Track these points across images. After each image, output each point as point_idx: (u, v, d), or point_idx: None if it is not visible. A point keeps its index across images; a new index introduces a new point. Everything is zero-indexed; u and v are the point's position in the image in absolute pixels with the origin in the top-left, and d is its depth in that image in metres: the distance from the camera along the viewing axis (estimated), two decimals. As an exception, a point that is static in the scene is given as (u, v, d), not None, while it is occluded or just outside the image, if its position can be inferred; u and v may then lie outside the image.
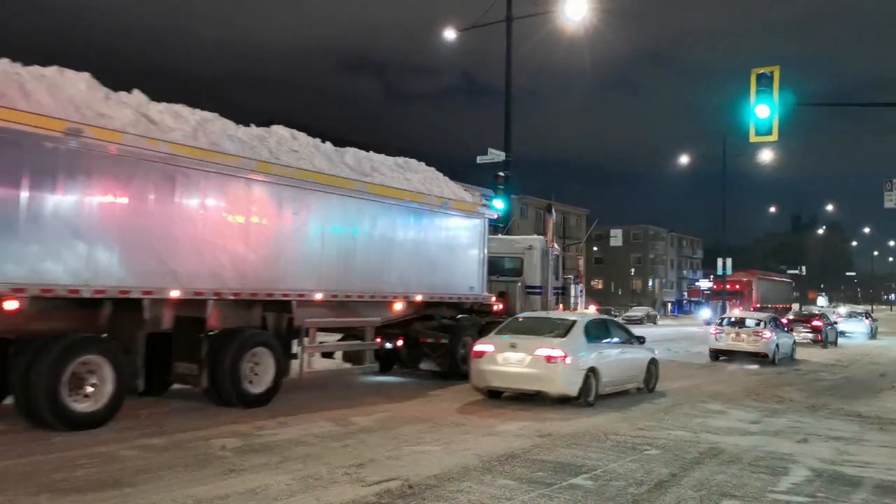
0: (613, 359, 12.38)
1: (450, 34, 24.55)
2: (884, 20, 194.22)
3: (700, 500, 6.40)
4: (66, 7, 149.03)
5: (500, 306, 15.93)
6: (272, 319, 11.32)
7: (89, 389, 8.74)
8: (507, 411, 10.78)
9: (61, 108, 8.60)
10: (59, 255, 8.42)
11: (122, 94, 9.85)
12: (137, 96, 9.99)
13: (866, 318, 40.07)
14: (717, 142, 43.49)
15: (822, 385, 16.17)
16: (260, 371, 10.68)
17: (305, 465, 7.16)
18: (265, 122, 11.84)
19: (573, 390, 11.18)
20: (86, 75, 9.44)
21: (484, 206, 15.92)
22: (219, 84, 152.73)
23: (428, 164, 14.79)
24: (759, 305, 50.63)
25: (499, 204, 23.91)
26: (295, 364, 11.58)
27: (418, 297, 13.60)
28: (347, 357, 13.29)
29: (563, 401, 11.17)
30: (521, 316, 13.93)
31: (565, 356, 11.07)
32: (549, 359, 11.05)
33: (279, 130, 12.12)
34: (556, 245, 17.75)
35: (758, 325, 21.42)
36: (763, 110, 15.05)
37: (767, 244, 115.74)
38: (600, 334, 12.43)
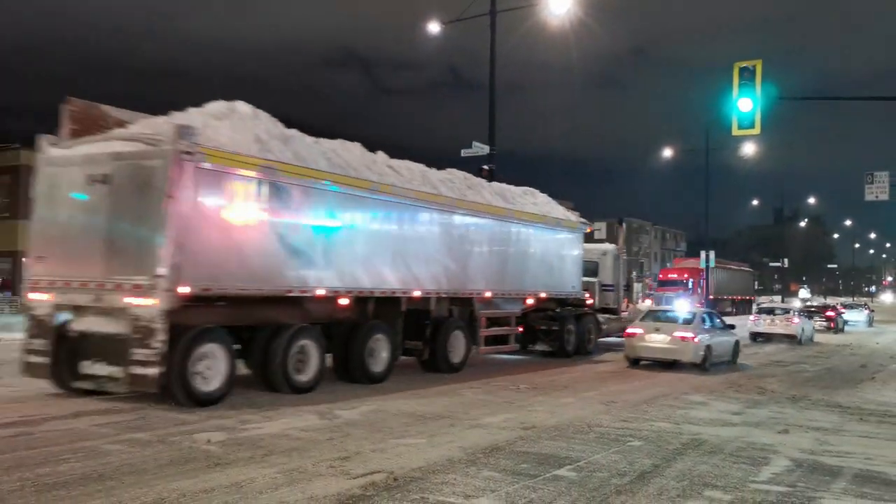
0: (717, 340, 17.29)
1: (433, 28, 24.50)
2: (866, 17, 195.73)
3: (682, 490, 6.47)
4: (53, 4, 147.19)
5: (591, 301, 20.27)
6: (459, 311, 15.39)
7: (383, 355, 13.07)
8: (504, 402, 10.82)
9: (355, 170, 12.65)
10: (362, 271, 12.57)
11: (379, 153, 13.93)
12: (383, 156, 13.96)
13: (866, 308, 46.26)
14: (701, 136, 43.72)
15: (804, 376, 16.34)
16: (458, 347, 14.92)
17: (290, 458, 7.17)
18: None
19: (698, 359, 16.27)
20: (358, 145, 13.42)
21: (582, 223, 19.86)
22: (204, 80, 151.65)
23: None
24: (713, 297, 44.81)
25: (483, 197, 23.90)
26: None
27: (542, 294, 17.77)
28: (497, 340, 16.54)
29: (690, 367, 16.08)
30: (652, 309, 20.74)
31: (694, 336, 16.35)
32: (682, 338, 16.36)
33: (456, 173, 16.03)
34: (624, 251, 22.37)
35: (787, 313, 27.80)
36: (745, 104, 15.18)
37: (750, 237, 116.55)
38: (709, 323, 17.58)
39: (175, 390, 9.71)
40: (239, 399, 10.36)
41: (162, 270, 9.42)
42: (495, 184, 17.79)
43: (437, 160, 15.70)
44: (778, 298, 70.81)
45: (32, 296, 10.76)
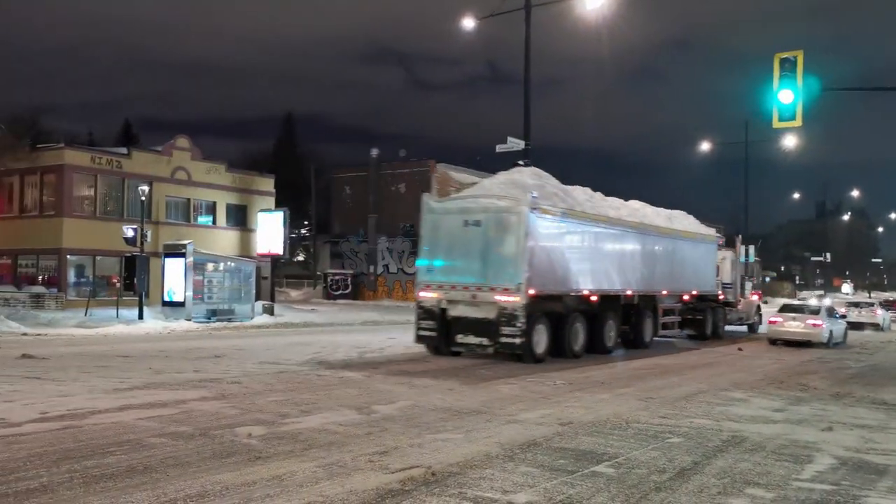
0: (835, 326, 23.29)
1: (469, 23, 24.48)
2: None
3: (723, 487, 6.41)
4: (95, 4, 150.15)
5: (723, 296, 25.61)
6: (649, 304, 20.54)
7: (611, 334, 18.42)
8: (533, 400, 10.81)
9: (592, 209, 18.74)
10: (602, 278, 18.04)
11: (597, 194, 20.28)
12: (599, 195, 20.21)
13: None
14: (741, 128, 43.12)
15: (847, 373, 16.05)
16: (648, 330, 20.50)
17: (329, 452, 7.25)
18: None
19: (824, 340, 22.27)
20: (586, 189, 19.94)
21: (717, 237, 25.67)
22: (241, 76, 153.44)
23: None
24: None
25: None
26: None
27: (694, 292, 23.18)
28: (665, 326, 21.79)
29: (819, 345, 22.05)
30: (785, 303, 27.16)
31: (822, 324, 22.34)
32: (814, 325, 22.38)
33: (633, 204, 21.96)
34: (739, 256, 27.60)
35: (871, 306, 35.18)
36: (787, 95, 14.91)
37: (791, 231, 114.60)
38: (829, 313, 23.54)
39: (525, 353, 15.51)
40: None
41: (521, 280, 15.29)
42: (661, 209, 23.16)
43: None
44: (820, 294, 69.48)
45: (423, 294, 16.77)
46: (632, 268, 19.48)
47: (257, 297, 33.28)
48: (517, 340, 15.34)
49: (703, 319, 24.08)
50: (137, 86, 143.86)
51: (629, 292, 19.21)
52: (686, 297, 22.84)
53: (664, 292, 21.15)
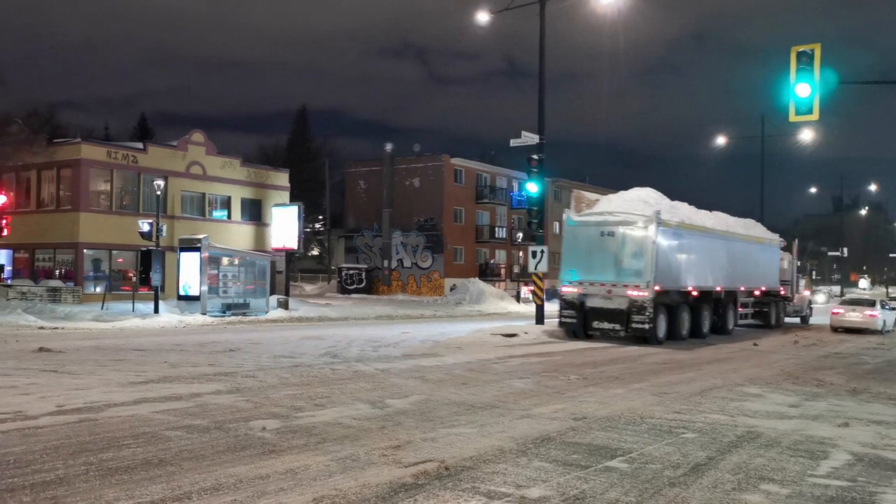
0: (888, 316, 27.77)
1: (483, 17, 24.40)
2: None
3: (738, 483, 6.37)
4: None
5: (783, 292, 29.57)
6: (731, 298, 24.38)
7: (706, 323, 22.55)
8: (555, 394, 10.80)
9: (689, 219, 22.51)
10: (708, 275, 22.48)
11: (684, 204, 23.64)
12: (720, 214, 25.32)
13: None
14: (757, 122, 42.76)
15: (864, 369, 15.92)
16: (730, 320, 24.34)
17: (343, 446, 7.27)
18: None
19: (880, 328, 26.60)
20: (684, 204, 23.57)
21: (780, 241, 30.00)
22: (258, 72, 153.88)
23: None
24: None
25: (532, 187, 23.83)
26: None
27: (763, 288, 27.11)
28: (741, 317, 25.78)
29: (874, 333, 26.32)
30: (846, 298, 33.65)
31: (877, 315, 26.71)
32: (870, 316, 26.69)
33: (718, 214, 25.84)
34: (795, 257, 31.71)
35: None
36: (803, 89, 14.78)
37: (807, 225, 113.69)
38: (882, 305, 28.11)
39: (651, 336, 19.61)
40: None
41: (650, 279, 19.38)
42: (739, 218, 27.42)
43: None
44: (837, 289, 68.89)
45: (565, 289, 20.87)
46: (720, 268, 23.49)
47: (272, 292, 33.41)
48: (646, 326, 19.59)
49: (769, 311, 28.31)
50: (154, 81, 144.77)
51: (718, 288, 23.28)
52: (756, 293, 26.90)
53: (742, 288, 25.20)
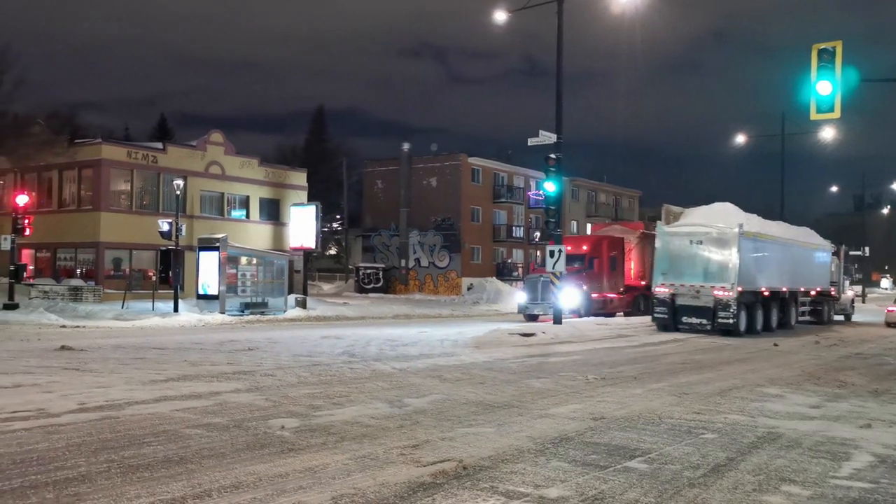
0: None
1: (500, 16, 24.36)
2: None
3: (758, 484, 6.33)
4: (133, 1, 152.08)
5: (833, 292, 32.05)
6: (793, 298, 27.55)
7: (774, 319, 26.08)
8: (577, 391, 10.78)
9: (759, 228, 25.87)
10: (773, 277, 25.60)
11: (754, 216, 26.41)
12: (782, 224, 29.56)
13: None
14: (777, 121, 42.35)
15: (886, 369, 15.75)
16: (793, 317, 27.49)
17: (361, 445, 7.29)
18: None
19: None
20: (753, 216, 26.48)
21: (832, 246, 32.41)
22: (278, 72, 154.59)
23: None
24: (641, 283, 32.58)
25: (550, 186, 23.78)
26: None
27: (818, 289, 29.90)
28: (799, 314, 28.75)
29: None
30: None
31: None
32: None
33: (781, 224, 29.54)
34: (841, 259, 34.39)
35: None
36: (824, 87, 14.64)
37: (828, 224, 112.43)
38: None
39: (734, 329, 22.79)
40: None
41: (734, 280, 22.73)
42: (797, 227, 30.67)
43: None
44: (858, 289, 68.16)
45: (658, 289, 24.06)
46: (785, 271, 26.62)
47: (290, 291, 33.56)
48: (731, 321, 22.84)
49: (822, 310, 31.11)
50: (175, 82, 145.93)
51: (783, 289, 26.51)
52: (812, 293, 29.68)
53: (801, 289, 28.37)
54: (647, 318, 26.74)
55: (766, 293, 24.99)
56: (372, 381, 11.63)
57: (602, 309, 31.11)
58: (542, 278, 28.80)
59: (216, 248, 28.91)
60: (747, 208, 26.93)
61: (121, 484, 5.82)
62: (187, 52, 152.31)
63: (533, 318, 29.56)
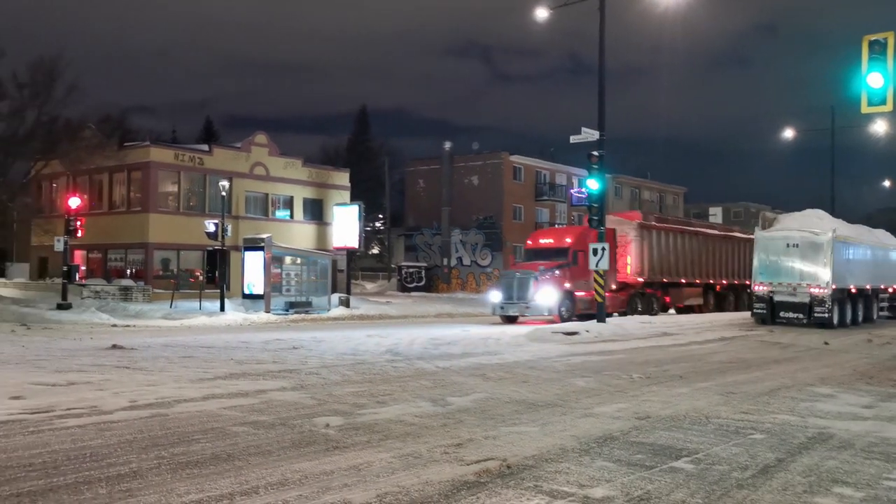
0: None
1: (542, 13, 24.25)
2: None
3: (809, 486, 6.20)
4: (181, 8, 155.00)
5: None
6: (875, 294, 29.30)
7: (860, 314, 27.92)
8: (613, 392, 10.70)
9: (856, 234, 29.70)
10: (859, 275, 27.75)
11: (860, 226, 30.97)
12: (860, 227, 30.85)
13: None
14: (827, 115, 41.37)
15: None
16: (874, 311, 29.36)
17: (405, 443, 7.33)
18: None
19: None
20: (839, 222, 28.80)
21: None
22: (326, 73, 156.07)
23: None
24: (639, 279, 30.29)
25: (592, 184, 23.59)
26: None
27: (895, 286, 31.56)
28: (880, 309, 30.65)
29: None
30: None
31: None
32: None
33: (863, 227, 31.27)
34: None
35: None
36: (876, 79, 14.25)
37: (880, 219, 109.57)
38: None
39: (828, 323, 24.88)
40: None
41: (829, 279, 25.06)
42: (875, 229, 32.30)
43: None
44: None
45: (758, 287, 26.41)
46: (869, 270, 28.59)
47: (333, 290, 33.87)
48: (826, 315, 25.09)
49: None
50: (223, 85, 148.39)
51: (868, 287, 28.32)
52: (890, 290, 31.27)
53: (882, 286, 30.12)
54: (647, 318, 26.55)
55: (853, 290, 27.14)
56: (415, 380, 11.68)
57: (589, 309, 26.63)
58: (517, 275, 27.00)
59: (261, 249, 29.31)
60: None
61: (171, 480, 5.94)
62: (236, 56, 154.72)
63: (510, 319, 27.41)
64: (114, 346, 15.96)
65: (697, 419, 8.91)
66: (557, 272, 26.96)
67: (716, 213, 60.70)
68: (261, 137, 40.94)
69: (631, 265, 30.37)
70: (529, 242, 30.63)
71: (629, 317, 29.18)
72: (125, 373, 12.01)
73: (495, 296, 27.78)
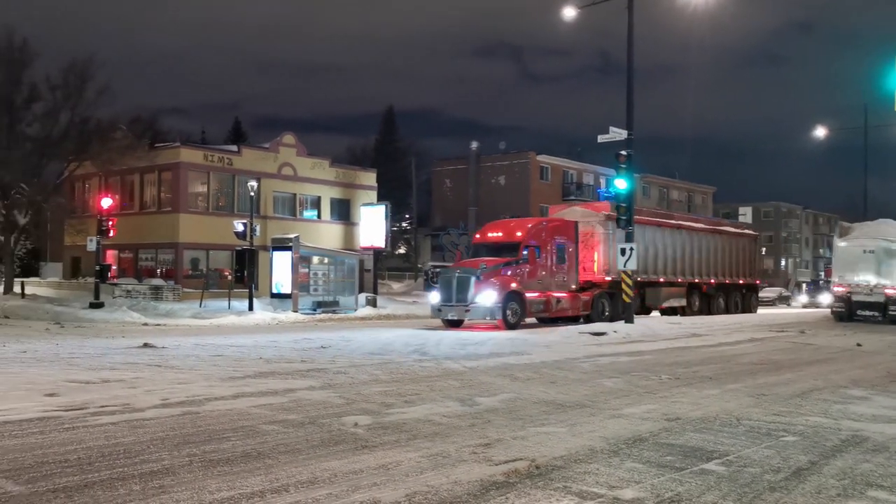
0: None
1: (569, 12, 24.17)
2: None
3: (843, 489, 6.11)
4: (207, 12, 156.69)
5: None
6: None
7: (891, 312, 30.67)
8: (640, 395, 10.64)
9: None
10: None
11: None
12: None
13: None
14: (861, 113, 40.81)
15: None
16: None
17: (434, 443, 7.34)
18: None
19: None
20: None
21: None
22: (354, 73, 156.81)
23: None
24: (606, 278, 27.20)
25: (620, 183, 23.45)
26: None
27: None
28: None
29: None
30: None
31: None
32: None
33: None
34: None
35: None
36: (911, 76, 14.02)
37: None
38: None
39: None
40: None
41: None
42: None
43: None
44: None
45: (836, 288, 29.88)
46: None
47: (360, 290, 34.03)
48: None
49: None
50: (253, 86, 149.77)
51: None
52: None
53: None
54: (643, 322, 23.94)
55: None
56: (443, 380, 11.70)
57: (544, 311, 24.55)
58: (457, 273, 23.49)
59: (289, 248, 29.54)
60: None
61: (202, 477, 6.01)
62: (265, 57, 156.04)
63: (453, 324, 23.76)
64: (145, 345, 16.17)
65: (728, 421, 8.82)
66: (504, 270, 23.46)
67: (745, 213, 60.04)
68: (289, 138, 41.23)
69: (598, 262, 27.44)
70: (478, 236, 27.03)
71: (657, 317, 28.89)
72: (157, 371, 12.17)
73: (434, 297, 24.46)
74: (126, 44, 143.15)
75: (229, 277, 34.58)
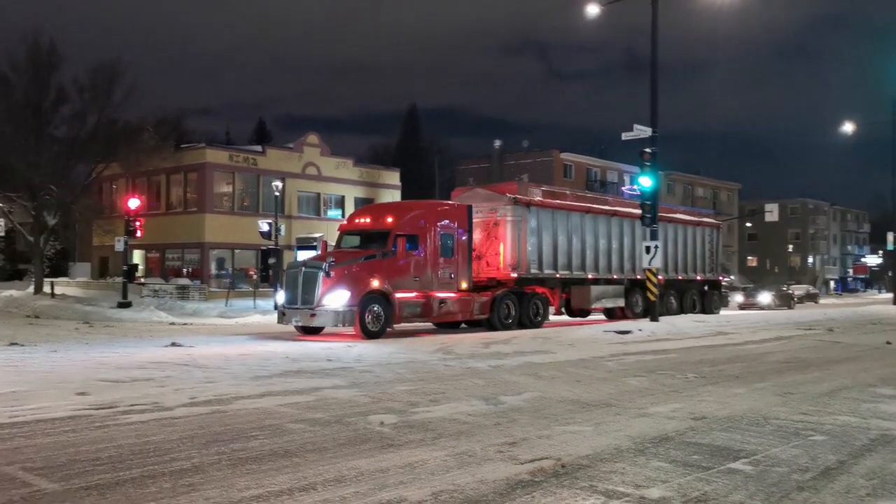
0: None
1: (593, 9, 24.07)
2: None
3: (872, 489, 6.05)
4: (245, 9, 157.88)
5: None
6: None
7: None
8: (665, 393, 10.59)
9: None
10: None
11: None
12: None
13: None
14: (890, 108, 40.20)
15: None
16: None
17: (459, 442, 7.36)
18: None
19: None
20: None
21: None
22: (380, 72, 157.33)
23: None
24: (511, 274, 22.62)
25: (645, 181, 23.32)
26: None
27: None
28: None
29: None
30: None
31: None
32: None
33: None
34: None
35: None
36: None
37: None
38: None
39: None
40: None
41: None
42: None
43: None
44: None
45: None
46: None
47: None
48: None
49: None
50: (282, 86, 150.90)
51: None
52: None
53: None
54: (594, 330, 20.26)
55: None
56: (467, 379, 11.72)
57: (421, 315, 19.99)
58: (304, 269, 18.93)
59: (313, 248, 29.70)
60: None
61: (231, 475, 6.08)
62: (290, 57, 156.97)
63: (309, 331, 19.40)
64: (173, 344, 16.36)
65: (755, 420, 8.76)
66: (361, 264, 18.97)
67: (772, 210, 59.26)
68: (312, 138, 41.46)
69: (504, 256, 22.57)
70: (345, 223, 22.15)
71: (682, 315, 28.38)
72: (184, 370, 12.31)
73: (280, 297, 19.78)
74: (156, 44, 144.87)
75: (254, 277, 34.84)
